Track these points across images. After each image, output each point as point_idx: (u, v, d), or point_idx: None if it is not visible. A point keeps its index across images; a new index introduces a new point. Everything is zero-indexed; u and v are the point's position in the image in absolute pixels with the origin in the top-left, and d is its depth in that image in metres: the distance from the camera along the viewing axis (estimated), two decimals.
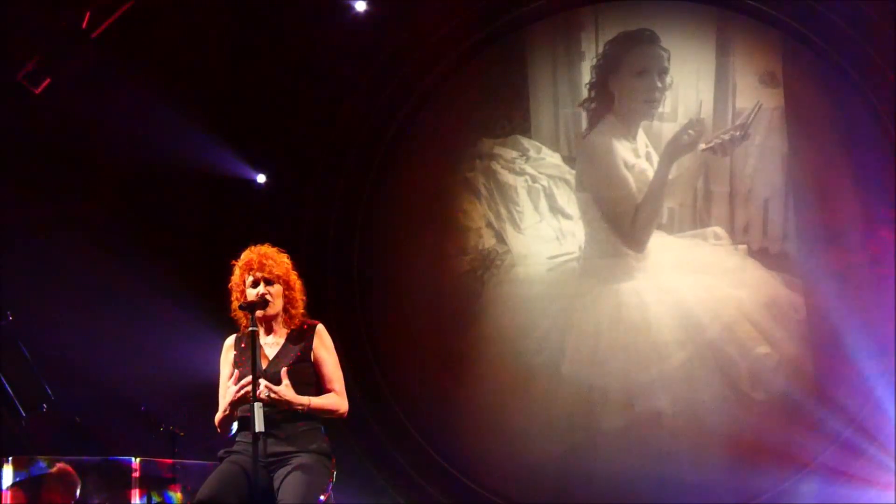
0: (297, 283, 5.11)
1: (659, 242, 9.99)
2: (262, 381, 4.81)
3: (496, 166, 10.46)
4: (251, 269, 5.03)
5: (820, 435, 9.37)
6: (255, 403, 4.77)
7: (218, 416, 4.97)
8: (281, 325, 5.07)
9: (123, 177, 9.24)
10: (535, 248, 10.29)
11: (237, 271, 5.10)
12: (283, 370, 4.88)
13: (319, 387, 5.00)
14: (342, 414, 5.01)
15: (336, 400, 4.99)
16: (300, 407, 4.87)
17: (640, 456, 9.70)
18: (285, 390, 4.84)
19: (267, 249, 5.12)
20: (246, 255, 5.10)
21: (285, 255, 5.16)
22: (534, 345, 10.15)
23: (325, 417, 4.97)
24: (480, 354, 10.28)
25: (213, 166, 9.61)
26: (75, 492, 7.41)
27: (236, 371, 4.93)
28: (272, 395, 4.80)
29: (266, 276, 5.01)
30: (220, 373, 5.15)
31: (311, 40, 9.84)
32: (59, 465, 7.43)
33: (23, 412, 7.99)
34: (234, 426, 5.02)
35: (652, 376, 9.84)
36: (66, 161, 8.91)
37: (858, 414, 9.31)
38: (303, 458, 4.84)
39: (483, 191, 10.48)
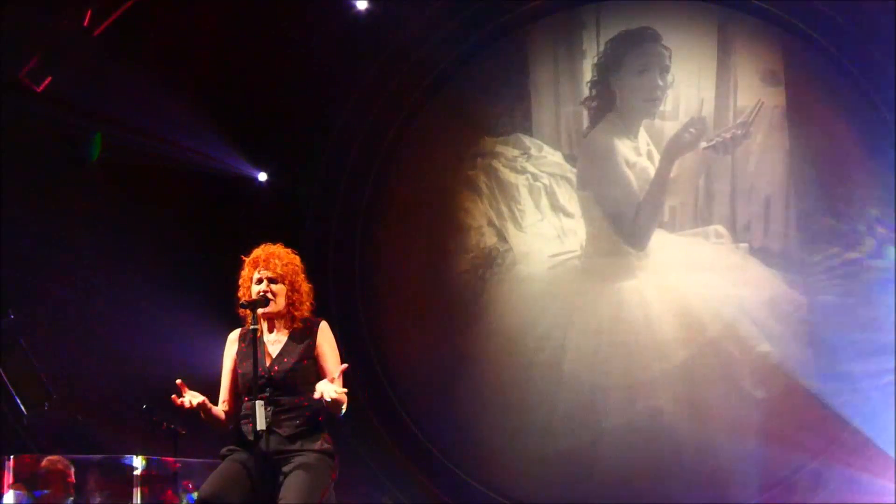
0: (303, 286, 5.09)
1: (660, 241, 9.99)
2: (334, 387, 4.82)
3: (497, 165, 10.46)
4: (257, 266, 5.05)
5: (820, 433, 9.37)
6: (257, 401, 4.79)
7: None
8: (284, 323, 5.07)
9: (124, 175, 9.24)
10: (537, 247, 10.29)
11: (246, 267, 5.11)
12: (341, 367, 4.91)
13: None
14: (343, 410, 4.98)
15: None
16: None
17: (642, 454, 9.71)
18: (342, 394, 4.85)
19: (276, 248, 5.12)
20: (255, 252, 5.12)
21: (296, 256, 5.15)
22: (535, 343, 10.15)
23: (330, 412, 4.94)
24: (482, 352, 10.28)
25: (215, 164, 9.62)
26: (69, 477, 7.39)
27: (243, 361, 4.95)
28: (339, 396, 4.81)
29: (271, 274, 5.02)
30: (222, 366, 5.16)
31: (312, 39, 9.84)
32: (47, 458, 7.41)
33: (25, 411, 7.99)
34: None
35: (653, 375, 9.83)
36: (67, 159, 8.91)
37: (859, 412, 9.31)
38: (305, 457, 4.84)
39: (484, 189, 10.48)
